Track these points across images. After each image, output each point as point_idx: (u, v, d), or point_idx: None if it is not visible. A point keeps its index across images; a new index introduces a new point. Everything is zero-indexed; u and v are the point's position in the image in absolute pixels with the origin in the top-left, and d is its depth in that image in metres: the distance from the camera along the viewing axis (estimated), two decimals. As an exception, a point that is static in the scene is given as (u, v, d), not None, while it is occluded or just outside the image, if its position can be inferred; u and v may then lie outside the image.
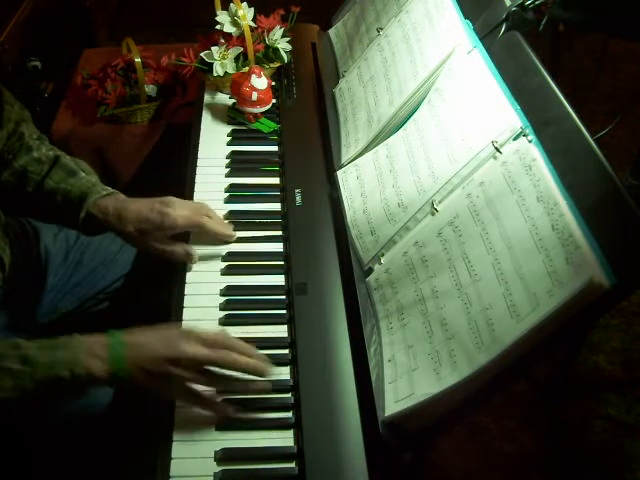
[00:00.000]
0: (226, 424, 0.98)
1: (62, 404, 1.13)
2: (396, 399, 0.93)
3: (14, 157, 1.23)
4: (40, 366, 0.94)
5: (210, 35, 1.59)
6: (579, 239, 0.81)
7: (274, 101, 1.52)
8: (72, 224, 1.22)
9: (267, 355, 1.06)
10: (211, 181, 1.36)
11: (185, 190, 1.32)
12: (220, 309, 1.13)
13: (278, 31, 1.58)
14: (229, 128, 1.50)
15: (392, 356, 0.98)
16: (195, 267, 1.19)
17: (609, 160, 0.87)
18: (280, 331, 1.10)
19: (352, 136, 1.34)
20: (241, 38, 1.54)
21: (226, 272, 1.19)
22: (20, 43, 2.04)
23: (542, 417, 1.87)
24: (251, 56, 1.54)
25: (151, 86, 1.90)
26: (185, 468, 0.93)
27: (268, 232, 1.26)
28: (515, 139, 0.97)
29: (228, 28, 1.55)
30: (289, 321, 1.11)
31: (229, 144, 1.46)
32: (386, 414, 0.92)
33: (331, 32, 1.64)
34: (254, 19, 1.58)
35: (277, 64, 1.60)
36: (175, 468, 0.92)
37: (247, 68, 1.51)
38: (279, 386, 1.03)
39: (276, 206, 1.32)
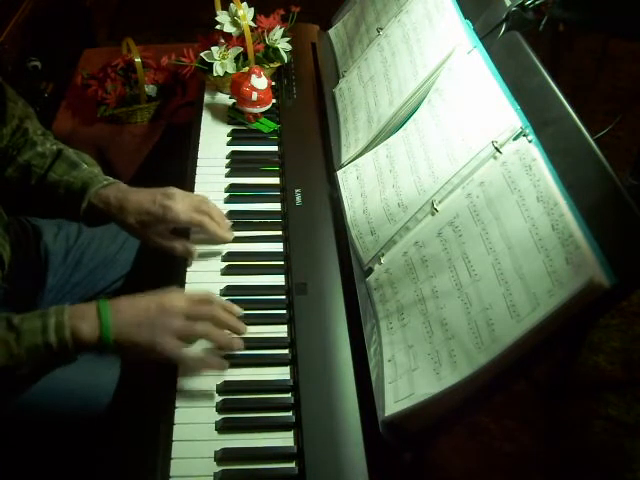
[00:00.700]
0: (226, 424, 0.98)
1: (62, 404, 1.14)
2: (396, 399, 0.93)
3: (18, 153, 1.25)
4: (28, 333, 0.96)
5: (210, 35, 1.59)
6: (579, 239, 0.81)
7: (274, 101, 1.52)
8: (74, 215, 1.22)
9: (267, 355, 1.07)
10: (211, 181, 1.36)
11: (185, 190, 1.32)
12: (220, 309, 1.13)
13: (278, 31, 1.58)
14: (229, 128, 1.50)
15: (392, 356, 0.98)
16: (195, 267, 1.19)
17: (609, 160, 0.87)
18: (280, 331, 1.10)
19: (352, 136, 1.34)
20: (241, 38, 1.54)
21: (226, 272, 1.19)
22: (20, 43, 2.03)
23: (542, 417, 1.86)
24: (251, 56, 1.54)
25: (151, 86, 1.90)
26: (185, 468, 0.93)
27: (268, 232, 1.26)
28: (515, 139, 0.97)
29: (228, 28, 1.55)
30: (289, 321, 1.11)
31: (229, 144, 1.46)
32: (386, 414, 0.92)
33: (331, 32, 1.64)
34: (254, 19, 1.58)
35: (277, 64, 1.60)
36: (175, 468, 0.92)
37: (247, 68, 1.51)
38: (279, 386, 1.03)
39: (276, 206, 1.32)
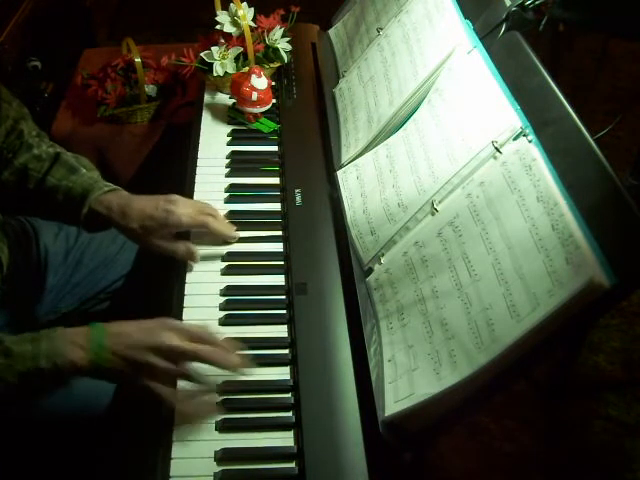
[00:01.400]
0: (226, 424, 0.98)
1: (62, 404, 1.14)
2: (396, 399, 0.93)
3: (14, 155, 1.23)
4: (21, 358, 0.95)
5: (210, 35, 1.59)
6: (579, 239, 0.81)
7: (274, 101, 1.52)
8: (74, 221, 1.22)
9: (267, 355, 1.07)
10: (211, 181, 1.36)
11: (185, 190, 1.32)
12: (220, 309, 1.13)
13: (278, 31, 1.58)
14: (229, 128, 1.50)
15: (392, 356, 0.98)
16: (195, 267, 1.19)
17: (609, 160, 0.87)
18: (280, 331, 1.10)
19: (352, 136, 1.34)
20: (241, 38, 1.54)
21: (226, 272, 1.19)
22: (20, 43, 2.03)
23: (542, 417, 1.86)
24: (251, 56, 1.54)
25: (151, 86, 1.90)
26: (185, 468, 0.93)
27: (268, 232, 1.26)
28: (515, 139, 0.97)
29: (228, 28, 1.55)
30: (289, 321, 1.11)
31: (229, 144, 1.46)
32: (386, 414, 0.92)
33: (331, 32, 1.64)
34: (254, 19, 1.58)
35: (277, 64, 1.60)
36: (175, 468, 0.92)
37: (247, 68, 1.51)
38: (279, 386, 1.03)
39: (276, 206, 1.32)
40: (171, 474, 0.92)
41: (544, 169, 0.90)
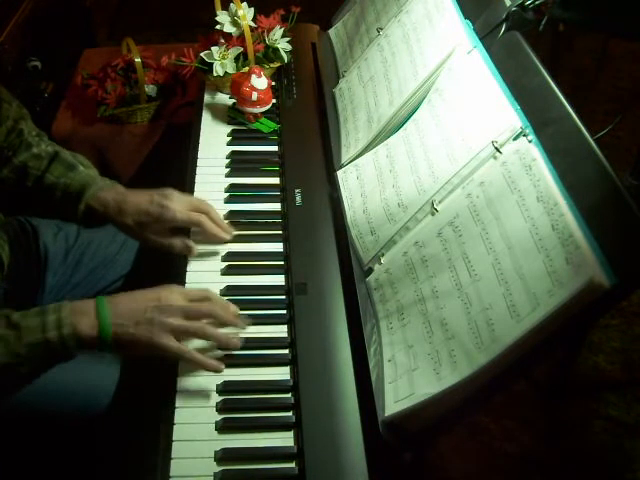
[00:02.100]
0: (226, 424, 0.98)
1: (62, 404, 1.14)
2: (396, 399, 0.93)
3: (14, 154, 1.25)
4: (28, 330, 0.96)
5: (210, 35, 1.59)
6: (579, 239, 0.81)
7: (274, 101, 1.52)
8: (72, 217, 1.23)
9: (267, 355, 1.07)
10: (211, 181, 1.36)
11: (185, 190, 1.32)
12: (220, 309, 1.13)
13: (278, 31, 1.58)
14: (229, 128, 1.50)
15: (392, 356, 0.98)
16: (195, 267, 1.19)
17: (609, 160, 0.87)
18: (280, 331, 1.10)
19: (352, 136, 1.34)
20: (241, 38, 1.54)
21: (226, 272, 1.19)
22: (20, 43, 2.03)
23: (542, 417, 1.86)
24: (251, 56, 1.54)
25: (151, 86, 1.90)
26: (185, 468, 0.93)
27: (268, 232, 1.26)
28: (515, 139, 0.97)
29: (228, 28, 1.55)
30: (289, 321, 1.11)
31: (229, 144, 1.46)
32: (386, 414, 0.92)
33: (331, 32, 1.64)
34: (254, 19, 1.58)
35: (277, 64, 1.60)
36: (175, 468, 0.92)
37: (247, 68, 1.51)
38: (279, 386, 1.03)
39: (276, 206, 1.32)
40: (171, 474, 0.92)
41: (544, 169, 0.90)
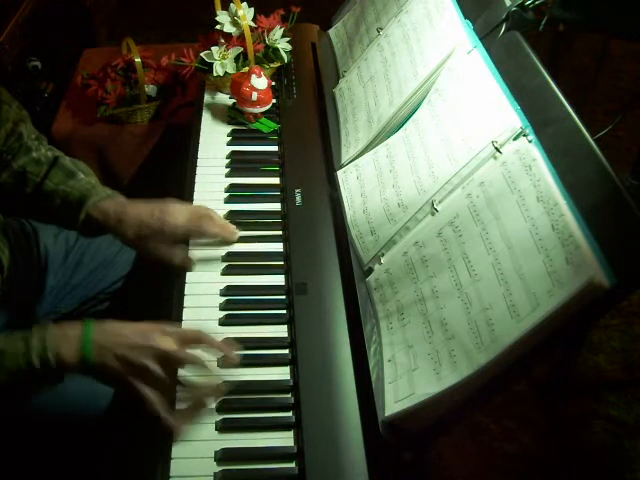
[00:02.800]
0: (226, 424, 0.98)
1: (62, 405, 1.14)
2: (396, 399, 0.93)
3: (13, 158, 1.23)
4: (13, 356, 0.95)
5: (210, 35, 1.59)
6: (579, 239, 0.81)
7: (274, 101, 1.52)
8: (71, 226, 1.22)
9: (267, 355, 1.07)
10: (211, 181, 1.36)
11: (185, 190, 1.32)
12: (220, 309, 1.13)
13: (278, 31, 1.58)
14: (229, 128, 1.50)
15: (392, 356, 0.98)
16: (195, 267, 1.19)
17: (609, 160, 0.87)
18: (280, 331, 1.10)
19: (352, 136, 1.34)
20: (241, 38, 1.54)
21: (226, 272, 1.19)
22: (20, 43, 2.04)
23: (542, 417, 1.86)
24: (251, 56, 1.54)
25: (151, 86, 1.90)
26: (185, 468, 0.93)
27: (268, 232, 1.26)
28: (515, 139, 0.97)
29: (228, 28, 1.55)
30: (289, 321, 1.11)
31: (229, 144, 1.46)
32: (386, 414, 0.92)
33: (331, 32, 1.64)
34: (254, 19, 1.58)
35: (277, 64, 1.60)
36: (175, 468, 0.92)
37: (247, 68, 1.51)
38: (279, 386, 1.03)
39: (276, 206, 1.32)
40: (171, 474, 0.92)
41: (544, 169, 0.90)
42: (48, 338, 0.97)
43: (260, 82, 1.45)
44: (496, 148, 0.99)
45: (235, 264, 1.20)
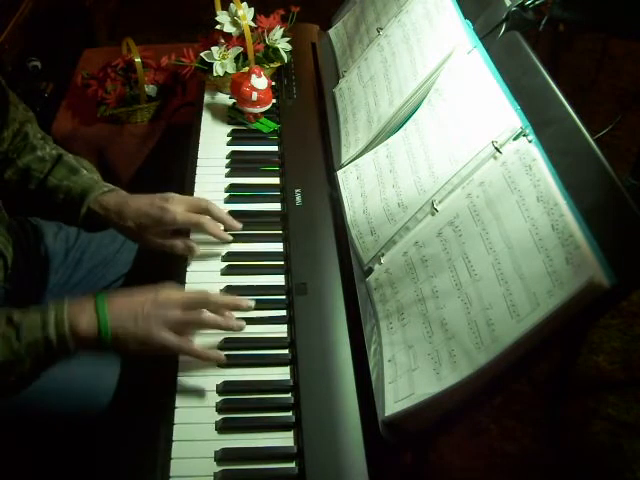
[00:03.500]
0: (226, 424, 0.98)
1: (62, 404, 1.14)
2: (396, 399, 0.93)
3: (18, 156, 1.26)
4: (28, 329, 0.97)
5: (210, 35, 1.59)
6: (579, 239, 0.81)
7: (274, 101, 1.52)
8: (73, 220, 1.23)
9: (267, 355, 1.07)
10: (211, 181, 1.36)
11: (185, 190, 1.32)
12: (220, 309, 1.13)
13: (278, 31, 1.58)
14: (229, 128, 1.50)
15: (392, 356, 0.98)
16: (195, 267, 1.19)
17: (609, 160, 0.87)
18: (280, 331, 1.10)
19: (352, 136, 1.34)
20: (241, 38, 1.54)
21: (226, 272, 1.19)
22: (20, 43, 2.04)
23: (542, 417, 1.86)
24: (251, 56, 1.54)
25: (151, 86, 1.90)
26: (185, 468, 0.93)
27: (268, 232, 1.26)
28: (515, 139, 0.97)
29: (228, 28, 1.55)
30: (289, 321, 1.11)
31: (229, 144, 1.46)
32: (386, 414, 0.92)
33: (331, 32, 1.64)
34: (254, 19, 1.58)
35: (277, 64, 1.60)
36: (175, 468, 0.92)
37: (247, 68, 1.51)
38: (279, 386, 1.03)
39: (276, 206, 1.32)
40: (171, 474, 0.92)
41: (544, 169, 0.90)
42: (65, 313, 0.99)
43: (260, 82, 1.45)
44: (496, 148, 0.99)
45: (235, 264, 1.20)
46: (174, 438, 0.95)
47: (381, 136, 1.27)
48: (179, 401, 1.00)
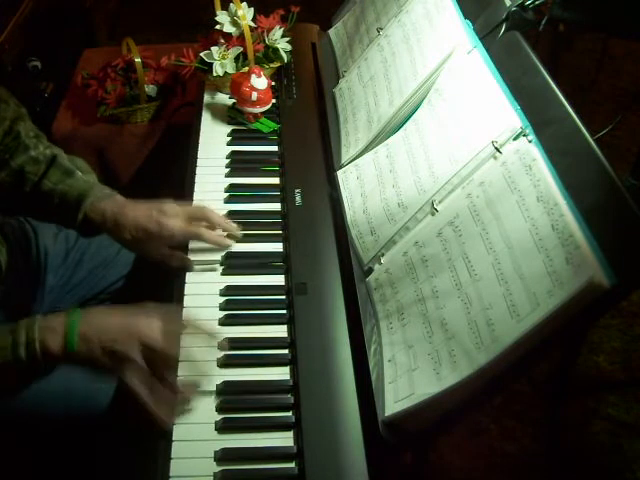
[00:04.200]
0: (226, 424, 0.98)
1: (62, 405, 1.14)
2: (396, 399, 0.93)
3: (11, 157, 1.22)
4: (1, 350, 0.96)
5: (210, 35, 1.59)
6: (579, 239, 0.81)
7: (274, 101, 1.52)
8: (69, 225, 1.22)
9: (267, 355, 1.07)
10: (211, 181, 1.36)
11: (185, 190, 1.32)
12: (220, 309, 1.13)
13: (278, 31, 1.58)
14: (229, 128, 1.50)
15: (392, 356, 0.98)
16: (195, 267, 1.19)
17: (609, 160, 0.87)
18: (280, 331, 1.10)
19: (352, 136, 1.34)
20: (241, 38, 1.54)
21: (226, 272, 1.19)
22: (20, 43, 2.04)
23: (542, 417, 1.86)
24: (251, 56, 1.54)
25: (151, 86, 1.90)
26: (185, 468, 0.93)
27: (268, 232, 1.26)
28: (515, 139, 0.97)
29: (228, 28, 1.55)
30: (289, 321, 1.11)
31: (229, 144, 1.46)
32: (386, 414, 0.92)
33: (331, 32, 1.64)
34: (254, 19, 1.58)
35: (277, 64, 1.60)
36: (175, 468, 0.92)
37: (247, 68, 1.51)
38: (279, 386, 1.03)
39: (276, 206, 1.32)
40: (171, 474, 0.92)
41: (544, 169, 0.90)
42: (35, 330, 0.97)
43: (260, 82, 1.45)
44: (496, 148, 0.99)
45: (235, 264, 1.20)
46: (174, 438, 0.95)
47: (381, 136, 1.27)
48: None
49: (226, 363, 1.05)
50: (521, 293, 0.85)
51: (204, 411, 0.99)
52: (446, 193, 1.04)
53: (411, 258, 1.04)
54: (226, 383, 1.02)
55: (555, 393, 1.90)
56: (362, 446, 0.94)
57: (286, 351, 1.07)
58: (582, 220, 0.83)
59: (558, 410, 1.89)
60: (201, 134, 1.47)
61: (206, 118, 1.52)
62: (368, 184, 1.22)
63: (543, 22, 1.51)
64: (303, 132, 1.47)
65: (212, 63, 1.52)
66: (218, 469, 0.93)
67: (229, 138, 1.47)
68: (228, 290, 1.15)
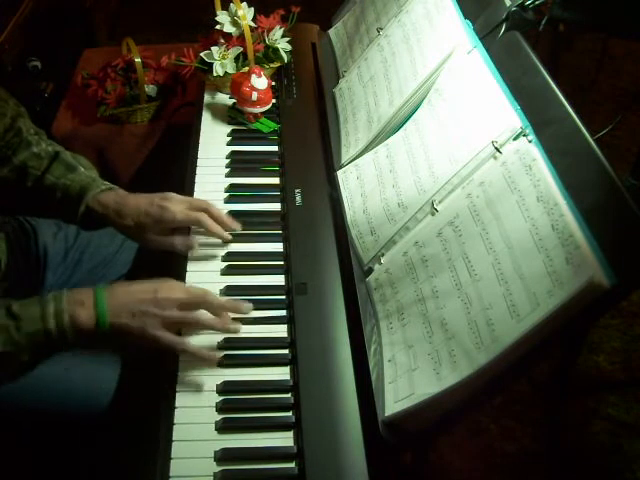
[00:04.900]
0: (226, 424, 0.98)
1: (62, 404, 1.14)
2: (396, 399, 0.93)
3: (13, 153, 1.24)
4: (28, 320, 0.97)
5: (210, 35, 1.59)
6: (579, 239, 0.81)
7: (274, 101, 1.52)
8: (71, 218, 1.23)
9: (267, 355, 1.07)
10: (211, 181, 1.36)
11: (185, 190, 1.32)
12: (220, 309, 1.13)
13: (278, 31, 1.58)
14: (229, 128, 1.50)
15: (392, 356, 0.98)
16: (195, 267, 1.19)
17: (609, 160, 0.87)
18: (280, 331, 1.10)
19: (352, 136, 1.34)
20: (241, 38, 1.54)
21: (226, 272, 1.19)
22: (20, 43, 2.04)
23: (542, 417, 1.86)
24: (251, 56, 1.54)
25: (151, 86, 1.90)
26: (185, 468, 0.93)
27: (268, 232, 1.26)
28: (515, 139, 0.97)
29: (228, 28, 1.55)
30: (289, 321, 1.11)
31: (229, 144, 1.46)
32: (386, 414, 0.92)
33: (331, 32, 1.64)
34: (254, 19, 1.58)
35: (277, 64, 1.60)
36: (175, 468, 0.92)
37: (247, 68, 1.51)
38: (279, 386, 1.03)
39: (276, 206, 1.32)
40: (171, 474, 0.92)
41: (544, 169, 0.90)
42: (64, 304, 0.99)
43: (260, 82, 1.45)
44: (496, 148, 0.99)
45: (235, 264, 1.20)
46: (174, 438, 0.95)
47: (381, 136, 1.27)
48: (179, 401, 1.00)
49: (226, 363, 1.05)
50: (521, 293, 0.85)
51: (204, 411, 0.99)
52: (446, 193, 1.04)
53: (411, 258, 1.04)
54: (226, 383, 1.02)
55: (555, 393, 1.90)
56: (362, 446, 0.94)
57: (286, 351, 1.07)
58: (582, 220, 0.83)
59: (558, 410, 1.89)
60: (201, 134, 1.47)
61: (206, 118, 1.52)
62: (368, 184, 1.22)
63: (543, 22, 1.51)
64: (303, 132, 1.47)
65: (212, 63, 1.52)
66: (218, 469, 0.93)
67: (229, 138, 1.47)
68: (228, 290, 1.15)
